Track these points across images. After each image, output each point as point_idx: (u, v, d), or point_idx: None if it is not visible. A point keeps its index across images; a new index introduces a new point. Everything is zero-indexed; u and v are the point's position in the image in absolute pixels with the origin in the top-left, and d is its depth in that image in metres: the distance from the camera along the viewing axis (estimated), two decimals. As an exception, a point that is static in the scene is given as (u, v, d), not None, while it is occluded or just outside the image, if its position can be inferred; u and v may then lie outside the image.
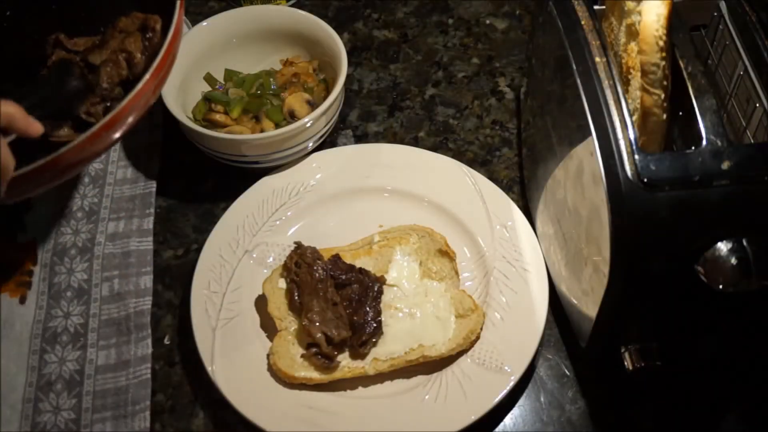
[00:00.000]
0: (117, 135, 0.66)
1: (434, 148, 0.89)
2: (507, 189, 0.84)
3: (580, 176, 0.64)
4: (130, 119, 0.66)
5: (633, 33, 0.66)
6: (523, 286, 0.75)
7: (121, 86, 0.72)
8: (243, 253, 0.79)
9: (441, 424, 0.68)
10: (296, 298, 0.73)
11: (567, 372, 0.74)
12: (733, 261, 0.57)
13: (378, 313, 0.73)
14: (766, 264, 0.57)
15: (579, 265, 0.67)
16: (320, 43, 0.89)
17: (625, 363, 0.67)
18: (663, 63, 0.64)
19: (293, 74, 0.89)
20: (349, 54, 0.89)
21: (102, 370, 0.73)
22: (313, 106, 0.85)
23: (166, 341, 0.77)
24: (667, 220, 0.57)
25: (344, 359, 0.72)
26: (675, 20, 0.65)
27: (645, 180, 0.57)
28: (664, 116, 0.66)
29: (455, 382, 0.70)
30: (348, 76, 0.87)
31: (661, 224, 0.58)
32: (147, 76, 0.65)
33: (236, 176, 0.86)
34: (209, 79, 0.90)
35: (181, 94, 0.86)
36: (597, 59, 0.63)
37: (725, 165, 0.57)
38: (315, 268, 0.74)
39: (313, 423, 0.68)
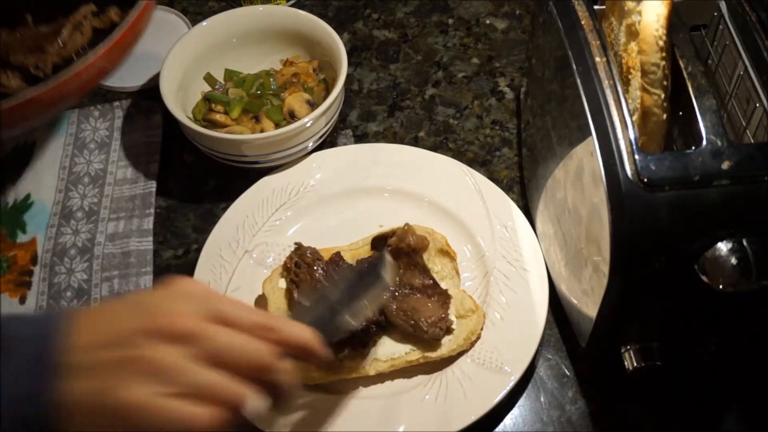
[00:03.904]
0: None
1: (434, 148, 0.89)
2: (507, 189, 0.84)
3: (580, 176, 0.64)
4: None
5: (633, 33, 0.66)
6: (523, 286, 0.75)
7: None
8: (243, 253, 0.79)
9: (441, 424, 0.68)
10: (296, 298, 0.73)
11: (567, 372, 0.74)
12: (733, 261, 0.57)
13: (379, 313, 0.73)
14: (766, 264, 0.57)
15: (579, 265, 0.67)
16: (320, 43, 0.89)
17: (625, 363, 0.67)
18: (663, 63, 0.64)
19: (293, 74, 0.89)
20: (349, 54, 0.89)
21: (102, 370, 0.73)
22: (313, 106, 0.85)
23: (166, 341, 0.76)
24: (667, 220, 0.57)
25: (344, 359, 0.72)
26: (675, 20, 0.65)
27: (645, 180, 0.57)
28: (664, 116, 0.66)
29: (455, 382, 0.70)
30: (348, 76, 0.87)
31: (661, 224, 0.57)
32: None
33: (236, 176, 0.86)
34: (209, 79, 0.90)
35: (181, 94, 0.86)
36: (597, 59, 0.63)
37: (725, 165, 0.57)
38: (315, 268, 0.74)
39: (313, 423, 0.68)
